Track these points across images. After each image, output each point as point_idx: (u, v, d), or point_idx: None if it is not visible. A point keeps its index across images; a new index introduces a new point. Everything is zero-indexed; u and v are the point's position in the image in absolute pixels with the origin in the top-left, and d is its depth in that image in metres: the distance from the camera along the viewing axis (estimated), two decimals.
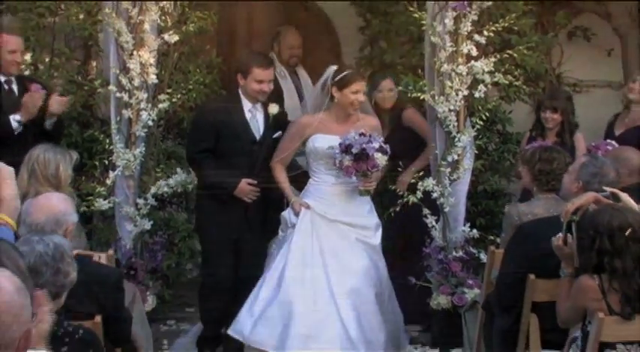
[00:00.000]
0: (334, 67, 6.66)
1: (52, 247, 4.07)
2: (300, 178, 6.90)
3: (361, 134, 6.36)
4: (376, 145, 6.34)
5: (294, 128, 6.73)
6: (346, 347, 6.33)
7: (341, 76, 6.52)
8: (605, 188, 5.06)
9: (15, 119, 6.71)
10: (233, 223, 6.72)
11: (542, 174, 5.92)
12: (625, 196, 4.95)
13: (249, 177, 6.64)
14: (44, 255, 4.04)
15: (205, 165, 6.75)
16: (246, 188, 6.68)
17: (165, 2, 7.03)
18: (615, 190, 5.01)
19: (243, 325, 6.41)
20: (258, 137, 6.77)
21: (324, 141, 6.53)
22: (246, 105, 6.76)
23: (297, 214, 6.58)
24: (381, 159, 6.38)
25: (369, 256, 6.61)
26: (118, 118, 7.01)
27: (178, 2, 7.18)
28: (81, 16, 7.60)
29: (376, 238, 6.68)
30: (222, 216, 6.72)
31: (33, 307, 3.14)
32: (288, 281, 6.40)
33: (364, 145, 6.31)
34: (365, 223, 6.67)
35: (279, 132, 6.75)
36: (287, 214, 6.66)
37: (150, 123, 7.02)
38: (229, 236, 6.72)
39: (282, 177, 6.71)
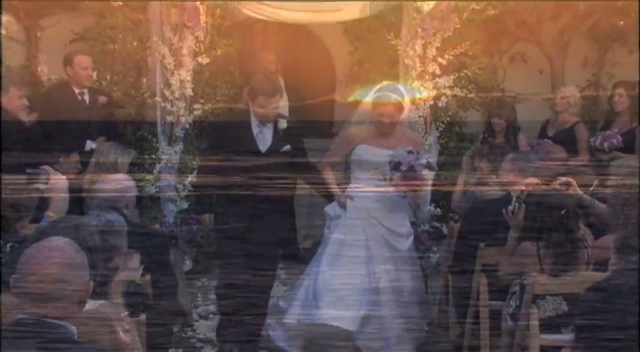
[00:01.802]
0: (378, 87, 5.72)
1: (104, 222, 4.06)
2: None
3: (409, 152, 5.37)
4: (424, 162, 5.38)
5: (342, 138, 5.85)
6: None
7: (375, 96, 5.62)
8: (559, 177, 5.07)
9: (91, 145, 6.71)
10: (242, 218, 5.52)
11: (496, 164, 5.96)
12: (574, 183, 4.98)
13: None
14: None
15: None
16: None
17: (199, 32, 7.02)
18: (569, 179, 5.02)
19: (292, 310, 5.58)
20: (263, 150, 5.57)
21: (369, 152, 5.62)
22: (254, 120, 5.60)
23: (343, 206, 5.65)
24: (428, 175, 5.53)
25: (393, 260, 5.64)
26: (163, 122, 7.06)
27: (209, 32, 7.16)
28: (134, 44, 7.60)
29: (405, 244, 5.72)
30: (232, 212, 5.58)
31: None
32: (329, 269, 5.52)
33: (412, 163, 5.35)
34: (399, 230, 5.71)
35: (288, 146, 5.58)
36: (331, 208, 5.76)
37: (187, 126, 7.06)
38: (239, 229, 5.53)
39: (330, 177, 5.75)
